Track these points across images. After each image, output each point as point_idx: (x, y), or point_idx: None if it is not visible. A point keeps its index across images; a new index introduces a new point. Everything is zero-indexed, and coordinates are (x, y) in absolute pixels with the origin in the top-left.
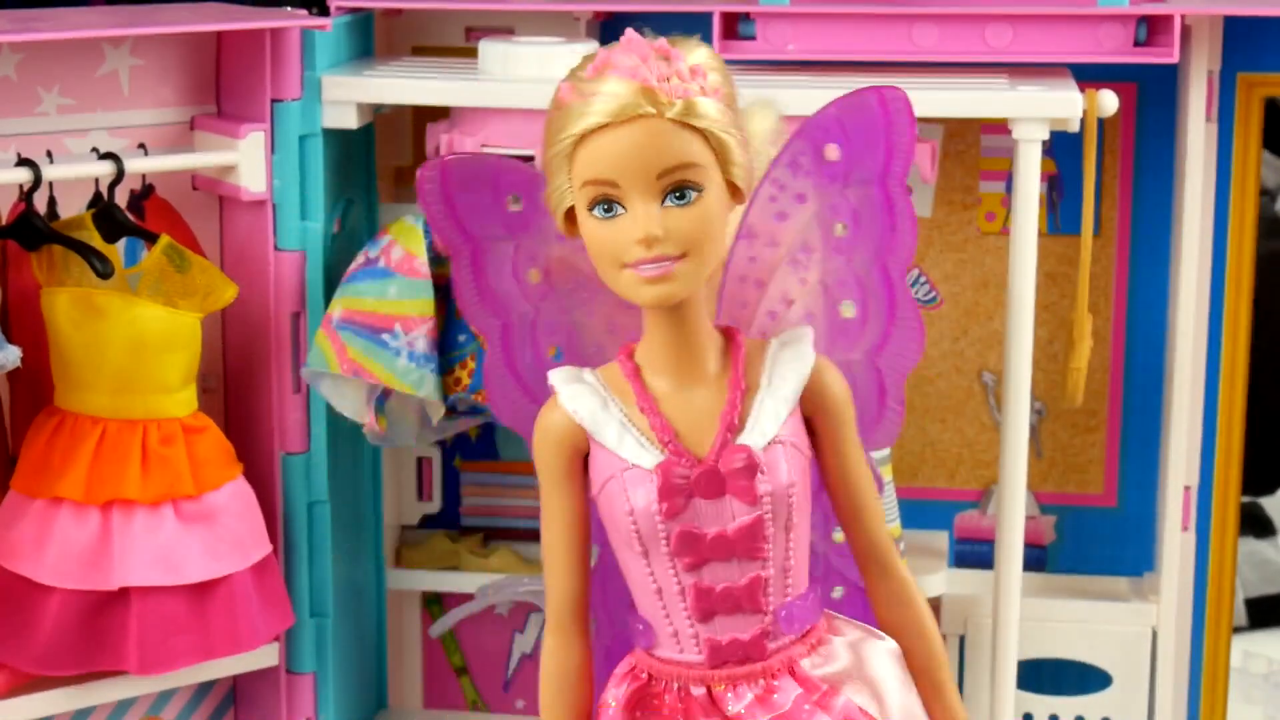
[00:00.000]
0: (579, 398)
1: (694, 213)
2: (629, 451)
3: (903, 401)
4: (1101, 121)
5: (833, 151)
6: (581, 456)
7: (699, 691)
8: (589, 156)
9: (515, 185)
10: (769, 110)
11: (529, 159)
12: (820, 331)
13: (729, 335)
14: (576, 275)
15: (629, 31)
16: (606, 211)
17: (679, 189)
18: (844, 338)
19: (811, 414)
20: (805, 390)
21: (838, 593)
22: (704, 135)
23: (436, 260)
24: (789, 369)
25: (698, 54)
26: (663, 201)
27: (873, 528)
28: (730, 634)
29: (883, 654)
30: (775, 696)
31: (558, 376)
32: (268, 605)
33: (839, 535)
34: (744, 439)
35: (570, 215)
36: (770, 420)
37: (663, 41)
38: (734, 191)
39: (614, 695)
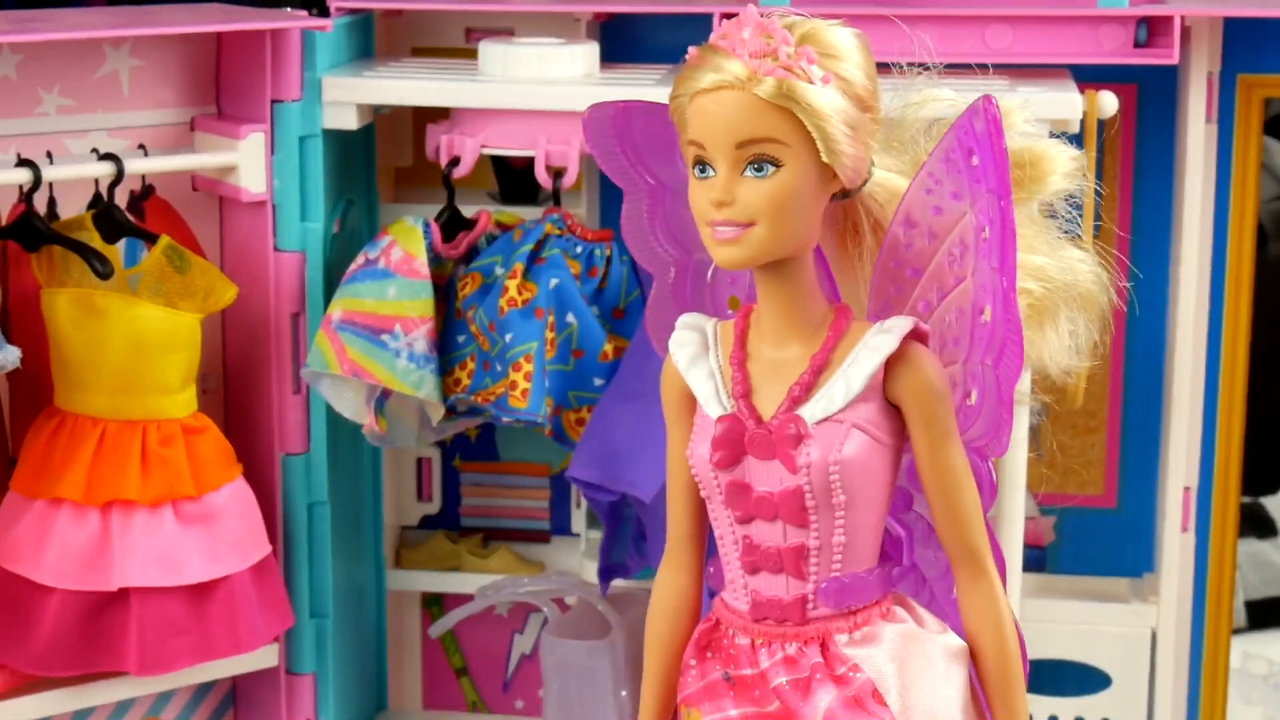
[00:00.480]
0: (684, 345)
1: (767, 186)
2: (705, 400)
3: (1013, 411)
4: (1101, 122)
5: (975, 156)
6: (692, 397)
7: (743, 641)
8: (691, 117)
9: None
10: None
11: None
12: (964, 331)
13: (839, 313)
14: None
15: (749, 5)
16: (701, 171)
17: (758, 161)
18: (982, 341)
19: (896, 403)
20: (888, 378)
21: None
22: (791, 115)
23: (436, 261)
24: (868, 354)
25: (826, 38)
26: (744, 171)
27: (963, 531)
28: (772, 592)
29: (936, 649)
30: (800, 662)
31: (681, 321)
32: (267, 606)
33: None
34: (803, 410)
35: None
36: (834, 398)
37: (774, 19)
38: (834, 176)
39: (697, 632)
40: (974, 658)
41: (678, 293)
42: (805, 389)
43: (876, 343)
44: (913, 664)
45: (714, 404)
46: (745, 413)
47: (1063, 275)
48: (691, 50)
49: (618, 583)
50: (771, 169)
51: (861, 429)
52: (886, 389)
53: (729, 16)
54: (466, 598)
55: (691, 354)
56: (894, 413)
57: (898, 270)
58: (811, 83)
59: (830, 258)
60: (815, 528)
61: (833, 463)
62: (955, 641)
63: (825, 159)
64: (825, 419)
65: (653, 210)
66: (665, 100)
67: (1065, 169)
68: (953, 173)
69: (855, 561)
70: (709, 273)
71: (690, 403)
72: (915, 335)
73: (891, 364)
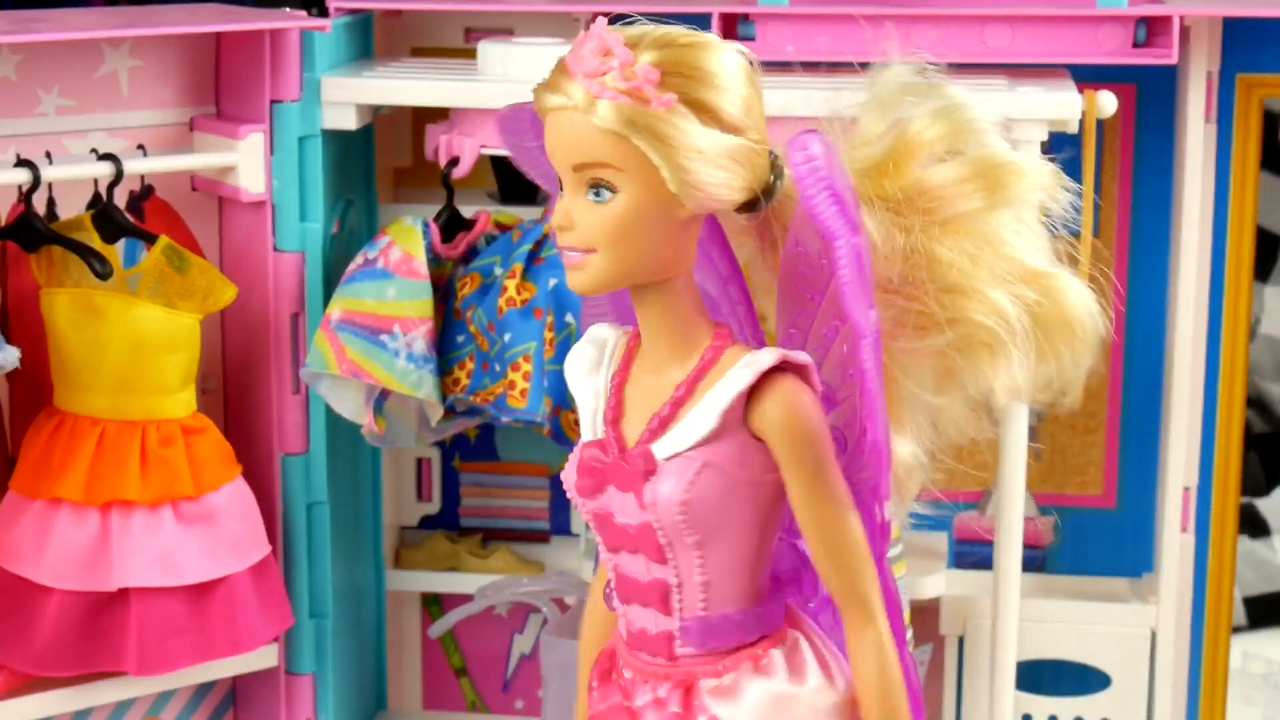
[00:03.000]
0: (579, 360)
1: (605, 211)
2: (583, 420)
3: (883, 454)
4: (1100, 122)
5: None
6: None
7: (629, 675)
8: (546, 134)
9: None
10: (939, 119)
11: None
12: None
13: (715, 338)
14: None
15: (600, 20)
16: (560, 189)
17: (595, 186)
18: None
19: (763, 440)
20: (750, 414)
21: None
22: (626, 138)
23: (435, 261)
24: (725, 388)
25: (685, 57)
26: (585, 194)
27: (843, 576)
28: (642, 623)
29: (805, 711)
30: (666, 708)
31: (589, 333)
32: (267, 606)
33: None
34: (660, 442)
35: None
36: (688, 433)
37: (616, 36)
38: (674, 199)
39: (600, 654)
40: (860, 705)
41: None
42: (664, 421)
43: (735, 376)
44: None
45: (587, 427)
46: (611, 440)
47: (1049, 297)
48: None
49: None
50: (609, 194)
51: (717, 466)
52: (750, 424)
53: (728, 16)
54: (466, 598)
55: (583, 370)
56: (764, 446)
57: (800, 292)
58: (642, 101)
59: (756, 272)
60: (674, 565)
61: (679, 503)
62: (828, 698)
63: (672, 187)
64: (675, 455)
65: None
66: None
67: (1034, 180)
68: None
69: (724, 601)
70: None
71: None
72: (792, 368)
73: (753, 399)
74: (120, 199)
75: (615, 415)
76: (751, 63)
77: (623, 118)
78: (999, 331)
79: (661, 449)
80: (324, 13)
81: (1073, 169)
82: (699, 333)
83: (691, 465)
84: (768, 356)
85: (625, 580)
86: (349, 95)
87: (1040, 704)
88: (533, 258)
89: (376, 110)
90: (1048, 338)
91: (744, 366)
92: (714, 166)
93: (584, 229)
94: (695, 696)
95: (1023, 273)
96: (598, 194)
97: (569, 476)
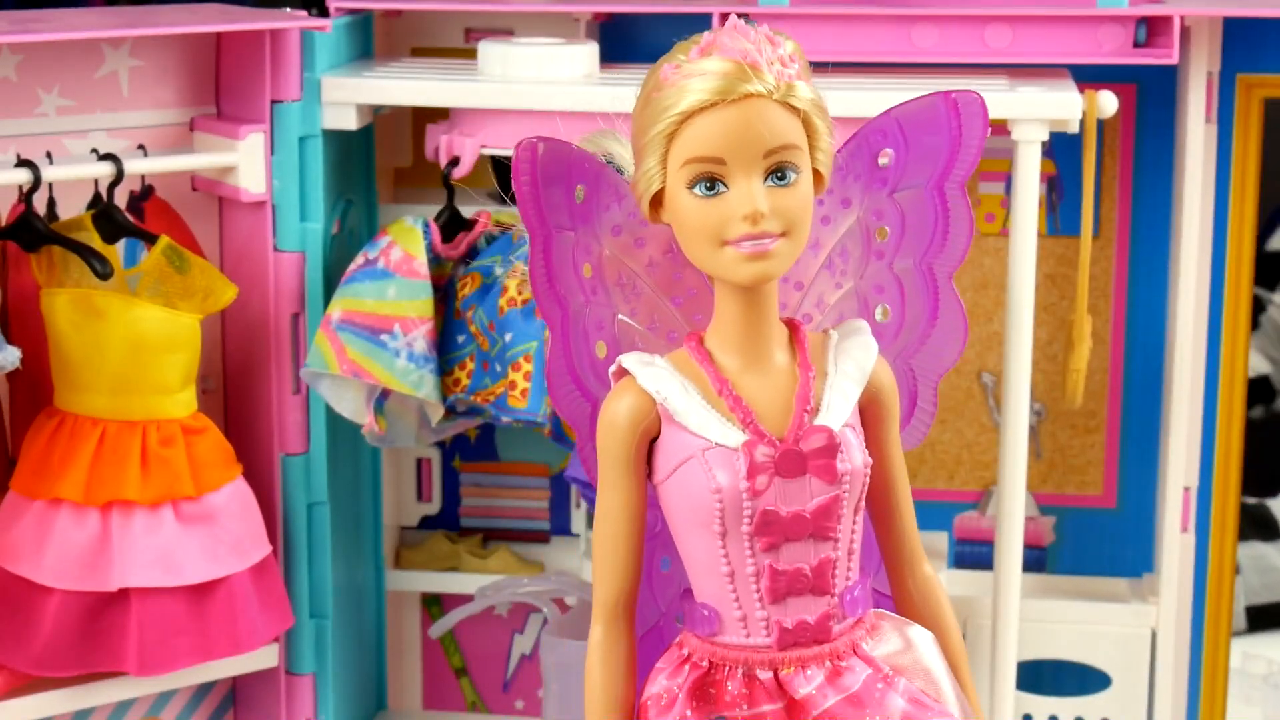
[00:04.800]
0: (660, 379)
1: (794, 193)
2: (713, 431)
3: (935, 402)
4: (1101, 122)
5: (886, 157)
6: (649, 442)
7: (765, 675)
8: (695, 134)
9: (583, 176)
10: None
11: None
12: None
13: (792, 326)
14: (624, 271)
15: (733, 17)
16: (709, 189)
17: (780, 169)
18: (878, 340)
19: (866, 404)
20: (868, 379)
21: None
22: (801, 118)
23: (435, 261)
24: (852, 358)
25: (790, 44)
26: (764, 181)
27: (907, 523)
28: (799, 616)
29: (928, 641)
30: (844, 678)
31: (631, 360)
32: (267, 606)
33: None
34: (821, 420)
35: (655, 200)
36: (842, 404)
37: (765, 27)
38: (817, 179)
39: (674, 685)
40: (943, 635)
41: (566, 341)
42: (813, 401)
43: (854, 345)
44: (929, 661)
45: (726, 434)
46: (760, 435)
47: None
48: (666, 68)
49: None
50: (793, 175)
51: (856, 431)
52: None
53: (728, 16)
54: (466, 598)
55: (672, 390)
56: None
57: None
58: (805, 80)
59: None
60: (839, 538)
61: (865, 465)
62: (929, 631)
63: (824, 166)
64: (842, 425)
65: (546, 256)
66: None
67: None
68: (847, 180)
69: (857, 569)
70: (584, 318)
71: (644, 452)
72: None
73: None
74: (120, 199)
75: (750, 414)
76: None
77: (815, 97)
78: None
79: (830, 423)
80: (324, 13)
81: (1074, 169)
82: (780, 322)
83: (857, 433)
84: (865, 324)
85: (786, 575)
86: (349, 95)
87: (1040, 704)
88: None
89: (376, 110)
90: None
91: (851, 336)
92: (833, 143)
93: (780, 213)
94: (863, 654)
95: None
96: (782, 177)
97: (731, 484)
